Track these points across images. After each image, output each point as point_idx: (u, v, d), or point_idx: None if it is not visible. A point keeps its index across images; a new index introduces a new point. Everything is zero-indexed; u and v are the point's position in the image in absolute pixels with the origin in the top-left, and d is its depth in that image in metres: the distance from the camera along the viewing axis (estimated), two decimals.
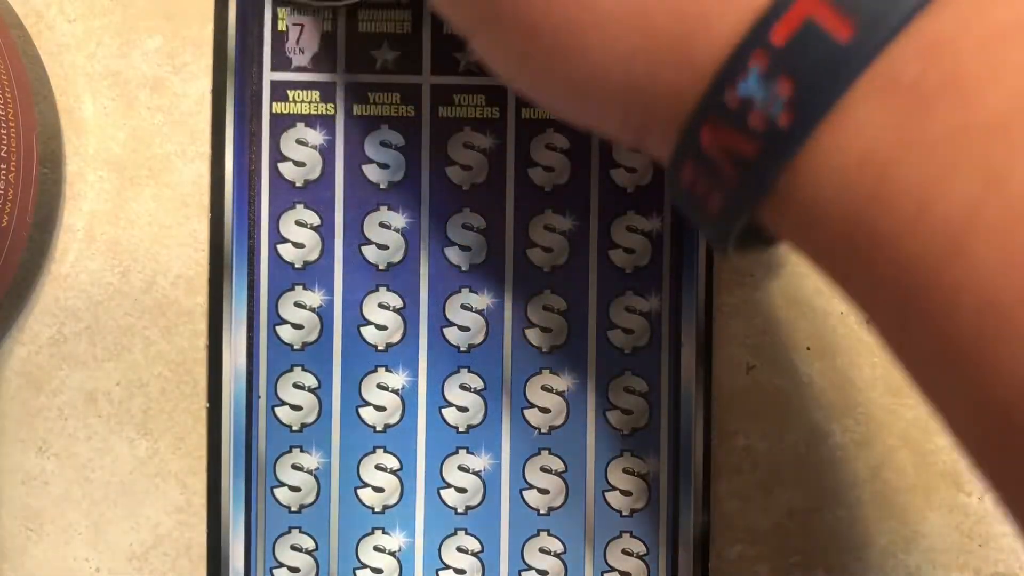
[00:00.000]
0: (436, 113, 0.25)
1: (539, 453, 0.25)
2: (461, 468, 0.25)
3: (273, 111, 0.25)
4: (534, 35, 0.16)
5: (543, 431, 0.25)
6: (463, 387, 0.25)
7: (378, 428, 0.25)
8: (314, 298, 0.25)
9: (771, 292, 0.26)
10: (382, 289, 0.25)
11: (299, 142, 0.25)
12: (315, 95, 0.25)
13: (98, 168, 0.26)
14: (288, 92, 0.25)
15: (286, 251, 0.25)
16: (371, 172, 0.25)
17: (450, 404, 0.25)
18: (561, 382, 0.25)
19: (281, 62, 0.25)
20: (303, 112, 0.25)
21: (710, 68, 0.15)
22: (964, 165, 0.13)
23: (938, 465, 0.26)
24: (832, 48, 0.14)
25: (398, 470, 0.25)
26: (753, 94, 0.14)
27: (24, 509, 0.26)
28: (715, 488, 0.26)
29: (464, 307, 0.25)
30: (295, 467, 0.25)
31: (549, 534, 0.25)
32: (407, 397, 0.25)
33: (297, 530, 0.25)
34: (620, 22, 0.15)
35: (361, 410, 0.25)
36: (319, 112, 0.25)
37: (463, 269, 0.25)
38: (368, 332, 0.25)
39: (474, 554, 0.25)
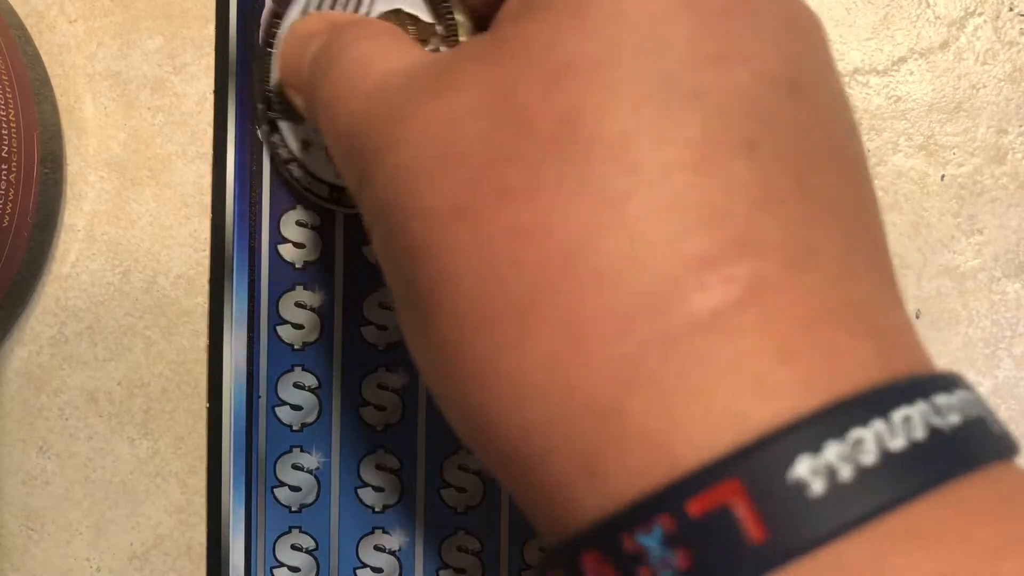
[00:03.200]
0: None
1: None
2: (461, 468, 0.25)
3: None
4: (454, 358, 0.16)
5: None
6: None
7: (378, 428, 0.25)
8: (314, 298, 0.25)
9: None
10: (383, 288, 0.25)
11: None
12: None
13: (99, 168, 0.26)
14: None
15: (287, 251, 0.25)
16: None
17: None
18: None
19: None
20: None
21: (615, 498, 0.14)
22: None
23: None
24: (739, 542, 0.13)
25: (398, 470, 0.25)
26: (650, 549, 0.14)
27: (25, 509, 0.26)
28: None
29: None
30: (295, 467, 0.25)
31: None
32: (407, 396, 0.25)
33: (297, 529, 0.25)
34: (542, 391, 0.15)
35: (361, 410, 0.25)
36: None
37: None
38: (368, 332, 0.25)
39: (474, 554, 0.25)
